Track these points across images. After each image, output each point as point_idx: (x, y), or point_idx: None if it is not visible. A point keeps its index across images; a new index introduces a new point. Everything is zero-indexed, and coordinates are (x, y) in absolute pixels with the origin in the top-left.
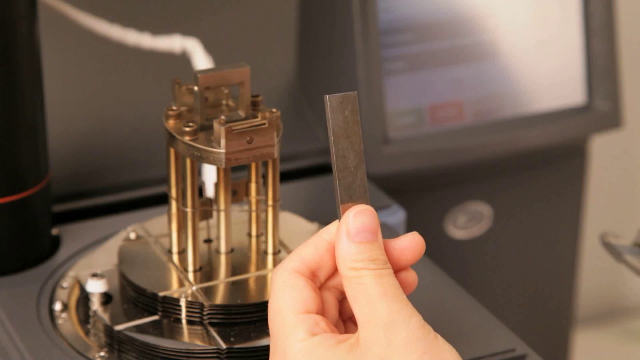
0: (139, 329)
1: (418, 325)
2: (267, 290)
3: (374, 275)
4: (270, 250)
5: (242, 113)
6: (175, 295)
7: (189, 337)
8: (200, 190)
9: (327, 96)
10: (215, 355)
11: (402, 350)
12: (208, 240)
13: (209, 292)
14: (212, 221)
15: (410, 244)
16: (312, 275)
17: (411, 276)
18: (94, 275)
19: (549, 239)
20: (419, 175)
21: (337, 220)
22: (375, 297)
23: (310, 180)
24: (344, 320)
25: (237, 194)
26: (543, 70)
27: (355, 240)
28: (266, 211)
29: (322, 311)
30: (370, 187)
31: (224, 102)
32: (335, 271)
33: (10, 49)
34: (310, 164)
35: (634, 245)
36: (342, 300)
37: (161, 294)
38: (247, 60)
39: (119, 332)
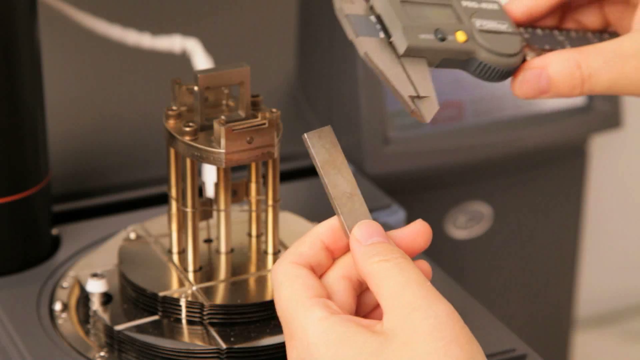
0: (139, 329)
1: (446, 312)
2: (267, 290)
3: (396, 265)
4: (270, 250)
5: (242, 113)
6: (175, 295)
7: (189, 337)
8: (200, 190)
9: (305, 135)
10: (215, 355)
11: (429, 337)
12: (208, 240)
13: (209, 292)
14: (212, 221)
15: (418, 231)
16: (311, 268)
17: (425, 266)
18: (94, 275)
19: (549, 239)
20: (419, 175)
21: (328, 220)
22: (400, 285)
23: (310, 180)
24: (364, 316)
25: (237, 194)
26: None
27: (367, 244)
28: (266, 211)
29: (330, 299)
30: (370, 187)
31: (224, 102)
32: (338, 264)
33: (10, 49)
34: (310, 164)
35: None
36: (360, 295)
37: (161, 294)
38: (247, 60)
39: (119, 332)
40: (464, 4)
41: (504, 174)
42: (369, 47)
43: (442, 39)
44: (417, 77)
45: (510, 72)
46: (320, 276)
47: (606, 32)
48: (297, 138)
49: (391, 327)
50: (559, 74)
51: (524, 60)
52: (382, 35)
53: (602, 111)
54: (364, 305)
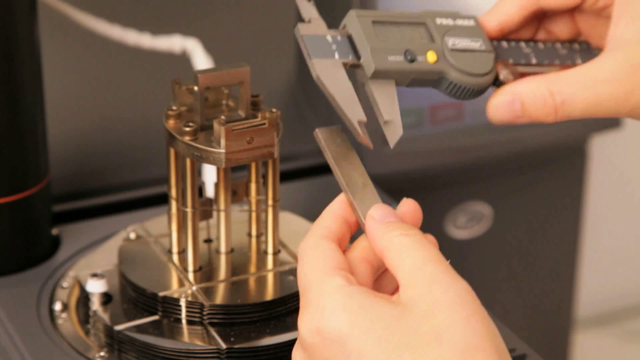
0: (139, 329)
1: (466, 290)
2: (267, 290)
3: (417, 240)
4: (270, 250)
5: (242, 113)
6: (175, 295)
7: (189, 337)
8: (200, 190)
9: (317, 130)
10: (215, 355)
11: (450, 309)
12: (208, 240)
13: (209, 292)
14: (212, 221)
15: (414, 209)
16: (338, 243)
17: (431, 238)
18: (94, 275)
19: (549, 239)
20: (419, 175)
21: (337, 198)
22: (421, 259)
23: (310, 180)
24: None
25: (237, 194)
26: None
27: (385, 221)
28: (266, 211)
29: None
30: None
31: (224, 102)
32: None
33: (10, 49)
34: (310, 164)
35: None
36: (377, 279)
37: (161, 294)
38: (247, 60)
39: (119, 332)
40: (439, 21)
41: (504, 174)
42: (321, 70)
43: (412, 60)
44: (383, 101)
45: (481, 91)
46: (342, 252)
47: (576, 42)
48: (297, 138)
49: (410, 297)
50: (531, 102)
51: (496, 78)
52: (337, 56)
53: None
54: (380, 290)
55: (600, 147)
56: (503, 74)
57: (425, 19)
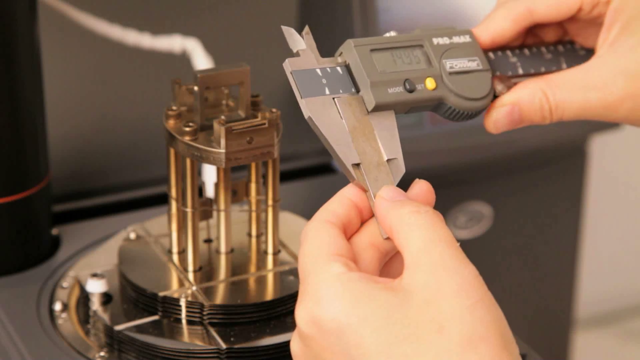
0: (139, 329)
1: (473, 275)
2: (267, 290)
3: (428, 218)
4: (270, 250)
5: (242, 113)
6: (175, 295)
7: (189, 337)
8: (200, 190)
9: (334, 98)
10: (215, 355)
11: (455, 296)
12: (208, 240)
13: (209, 292)
14: (212, 221)
15: (427, 190)
16: (344, 229)
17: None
18: (94, 275)
19: (549, 239)
20: (419, 175)
21: (352, 182)
22: (430, 240)
23: (310, 180)
24: None
25: (237, 194)
26: None
27: (395, 200)
28: (266, 211)
29: (355, 262)
30: None
31: (224, 102)
32: (360, 228)
33: (10, 49)
34: (310, 164)
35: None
36: (384, 266)
37: (161, 294)
38: (247, 60)
39: (119, 332)
40: (435, 41)
41: (504, 174)
42: (312, 110)
43: (411, 90)
44: (384, 137)
45: (480, 112)
46: (349, 238)
47: (560, 43)
48: (297, 138)
49: (413, 282)
50: (529, 107)
51: (493, 92)
52: (327, 91)
53: None
54: (389, 275)
55: (600, 147)
56: (499, 88)
57: (422, 40)
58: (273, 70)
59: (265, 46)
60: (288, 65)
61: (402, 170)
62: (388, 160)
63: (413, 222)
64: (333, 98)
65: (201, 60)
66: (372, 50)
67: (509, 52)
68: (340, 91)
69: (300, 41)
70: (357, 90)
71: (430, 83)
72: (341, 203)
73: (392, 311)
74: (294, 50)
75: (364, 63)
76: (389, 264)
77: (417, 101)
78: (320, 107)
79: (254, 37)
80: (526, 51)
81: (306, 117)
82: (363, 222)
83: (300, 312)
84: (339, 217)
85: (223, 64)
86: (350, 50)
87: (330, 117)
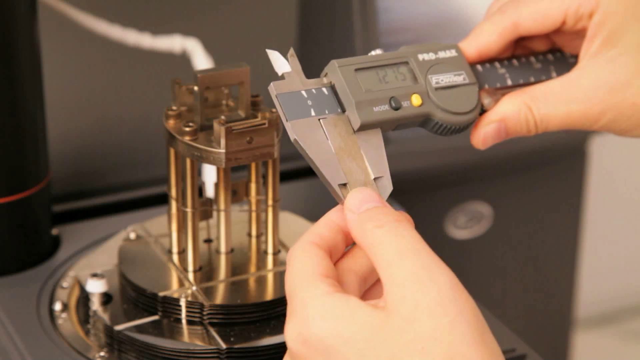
0: (139, 329)
1: (449, 284)
2: (267, 290)
3: (390, 230)
4: (270, 250)
5: (242, 113)
6: (175, 295)
7: (189, 337)
8: (200, 190)
9: (320, 121)
10: (215, 355)
11: (432, 313)
12: (208, 240)
13: (209, 292)
14: (212, 221)
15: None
16: (330, 253)
17: (406, 216)
18: (94, 275)
19: (549, 239)
20: (419, 175)
21: (338, 206)
22: (396, 255)
23: (310, 180)
24: None
25: (237, 194)
26: None
27: (361, 211)
28: (266, 211)
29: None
30: None
31: (224, 102)
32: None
33: (10, 49)
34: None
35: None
36: (368, 290)
37: (161, 294)
38: (247, 60)
39: (119, 332)
40: (421, 57)
41: (504, 174)
42: (298, 133)
43: (397, 108)
44: (371, 156)
45: (468, 127)
46: (334, 262)
47: (549, 52)
48: None
49: (390, 300)
50: (515, 122)
51: (480, 106)
52: (313, 113)
53: None
54: (375, 297)
55: (600, 147)
56: (486, 102)
57: (407, 57)
58: (273, 71)
59: (265, 46)
60: (273, 88)
61: (389, 188)
62: (375, 179)
63: (377, 237)
64: (319, 119)
65: (201, 60)
66: (356, 70)
67: (497, 64)
68: (326, 112)
69: (285, 64)
70: (343, 110)
71: (416, 99)
72: (328, 227)
73: (375, 332)
74: (279, 74)
75: (348, 83)
76: (374, 287)
77: (403, 118)
78: (306, 129)
79: (254, 37)
80: (515, 62)
81: (292, 139)
82: (347, 245)
83: (289, 333)
84: (326, 241)
85: (223, 64)
86: (334, 71)
87: (316, 138)
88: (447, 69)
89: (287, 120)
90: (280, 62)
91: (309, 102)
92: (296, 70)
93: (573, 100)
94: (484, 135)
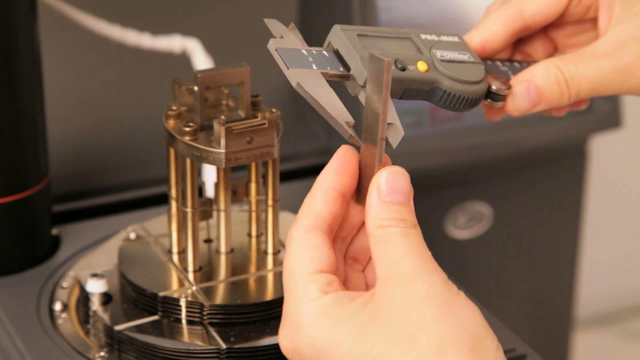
0: (139, 329)
1: (441, 281)
2: (267, 290)
3: (401, 233)
4: (270, 250)
5: (242, 113)
6: (175, 295)
7: (189, 337)
8: (200, 190)
9: (374, 54)
10: (215, 355)
11: (421, 305)
12: (208, 240)
13: (209, 292)
14: (212, 221)
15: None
16: (329, 230)
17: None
18: (94, 275)
19: (549, 239)
20: (419, 175)
21: (326, 168)
22: (399, 254)
23: (310, 180)
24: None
25: (237, 194)
26: None
27: (385, 200)
28: (266, 211)
29: (336, 270)
30: None
31: (224, 102)
32: (348, 222)
33: (10, 49)
34: (310, 164)
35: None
36: (364, 269)
37: (161, 294)
38: (247, 60)
39: (119, 332)
40: (423, 37)
41: (504, 174)
42: (300, 77)
43: (403, 69)
44: None
45: (476, 102)
46: (340, 226)
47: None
48: (297, 138)
49: (382, 294)
50: (545, 81)
51: (489, 90)
52: (314, 67)
53: (602, 111)
54: (371, 282)
55: (600, 147)
56: (495, 85)
57: (409, 34)
58: (273, 70)
59: (265, 46)
60: (272, 44)
61: (401, 133)
62: (388, 124)
63: (383, 238)
64: (321, 72)
65: (201, 60)
66: (359, 35)
67: (499, 63)
68: (328, 68)
69: (283, 27)
70: (347, 70)
71: (422, 65)
72: (324, 199)
73: (364, 329)
74: (277, 36)
75: (352, 43)
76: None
77: (409, 80)
78: (308, 76)
79: (254, 37)
80: (516, 64)
81: (294, 85)
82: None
83: (283, 340)
84: (324, 219)
85: (223, 64)
86: (337, 34)
87: (318, 83)
88: (451, 48)
89: (287, 68)
90: (278, 26)
91: (310, 59)
92: (296, 36)
93: (602, 56)
94: (513, 97)
